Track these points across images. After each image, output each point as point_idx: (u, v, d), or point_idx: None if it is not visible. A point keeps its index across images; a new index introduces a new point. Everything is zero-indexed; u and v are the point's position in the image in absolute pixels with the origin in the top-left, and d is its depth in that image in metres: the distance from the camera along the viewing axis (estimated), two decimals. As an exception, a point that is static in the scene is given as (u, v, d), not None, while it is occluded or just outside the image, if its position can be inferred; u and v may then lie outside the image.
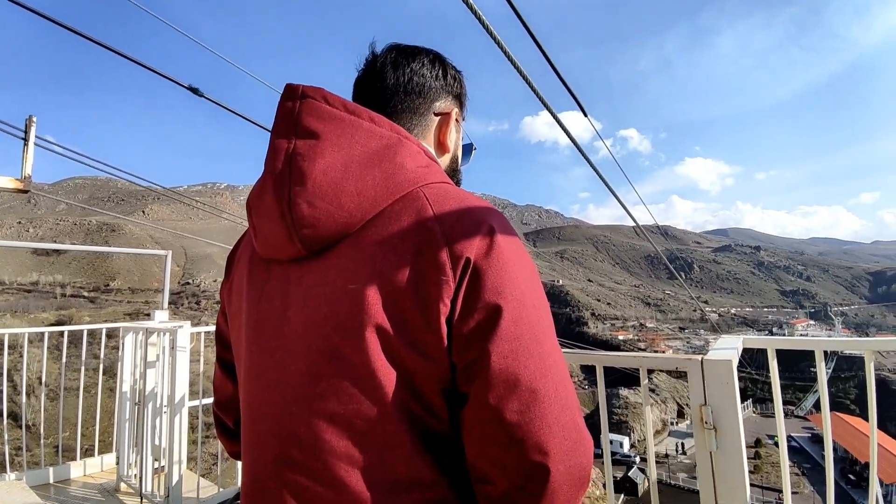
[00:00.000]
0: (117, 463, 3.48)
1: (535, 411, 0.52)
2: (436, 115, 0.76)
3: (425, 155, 0.66)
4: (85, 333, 3.81)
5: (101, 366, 3.90)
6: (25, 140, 1.64)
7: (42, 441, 3.80)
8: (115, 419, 3.53)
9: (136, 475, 3.28)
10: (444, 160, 0.80)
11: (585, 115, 3.17)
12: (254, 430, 0.62)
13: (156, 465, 3.18)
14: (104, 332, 3.91)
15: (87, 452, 3.70)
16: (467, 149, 0.88)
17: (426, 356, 0.55)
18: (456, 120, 0.80)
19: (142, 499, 3.10)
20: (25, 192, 1.64)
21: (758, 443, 42.34)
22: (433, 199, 0.59)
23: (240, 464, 2.98)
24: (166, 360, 3.11)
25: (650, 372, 1.14)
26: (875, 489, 1.27)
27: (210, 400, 3.46)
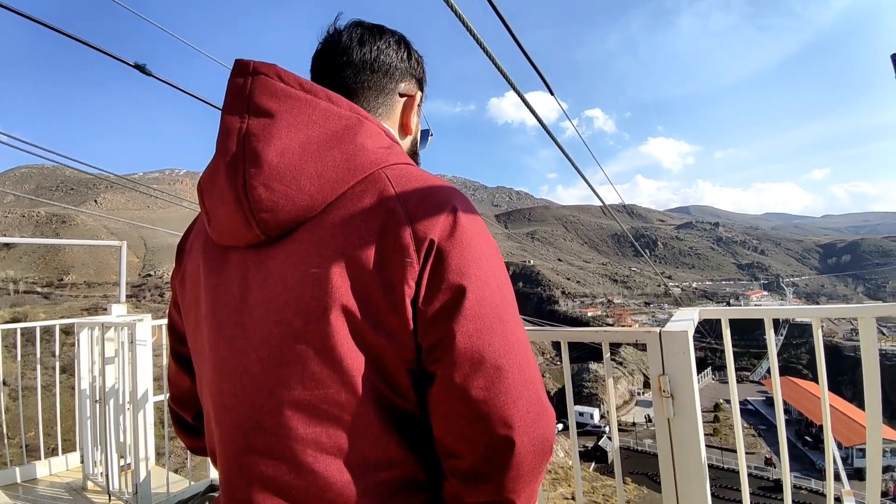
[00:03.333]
0: (82, 461, 3.37)
1: (500, 387, 0.53)
2: (401, 96, 0.74)
3: (386, 136, 0.64)
4: (38, 331, 3.62)
5: (58, 363, 3.73)
6: None
7: (6, 441, 3.64)
8: (77, 417, 3.40)
9: (101, 473, 3.18)
10: (406, 143, 0.78)
11: (552, 94, 3.18)
12: (220, 423, 0.61)
13: (122, 463, 3.09)
14: (57, 328, 3.71)
15: (53, 451, 3.56)
16: (425, 134, 0.87)
17: (391, 337, 0.55)
18: (418, 104, 0.78)
19: (109, 497, 3.02)
20: None
21: (717, 407, 45.01)
22: (395, 181, 0.58)
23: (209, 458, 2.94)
24: (125, 355, 3.00)
25: (618, 346, 1.19)
26: (831, 446, 1.37)
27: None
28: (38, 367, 3.65)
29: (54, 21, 2.76)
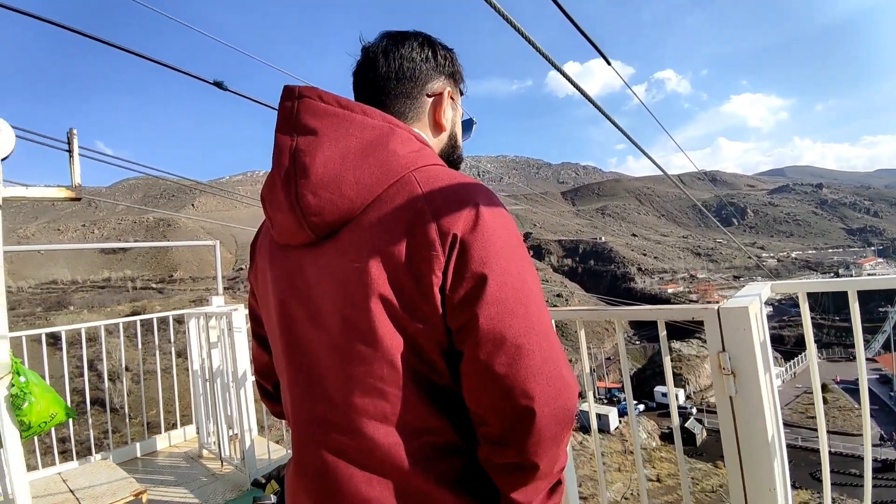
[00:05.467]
0: (197, 433, 3.90)
1: (521, 363, 0.59)
2: (428, 96, 0.80)
3: (417, 140, 0.71)
4: (156, 321, 4.21)
5: (174, 349, 4.30)
6: (70, 152, 1.81)
7: (128, 421, 4.30)
8: (192, 395, 3.93)
9: (214, 442, 3.67)
10: (443, 138, 0.84)
11: (608, 63, 3.04)
12: (290, 394, 0.73)
13: (231, 433, 3.54)
14: (171, 319, 4.27)
15: (172, 426, 4.14)
16: (467, 124, 0.91)
17: (424, 322, 0.62)
18: (451, 98, 0.83)
19: (222, 462, 3.48)
20: (78, 199, 1.82)
21: (824, 388, 40.70)
22: (423, 181, 0.65)
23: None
24: (226, 340, 3.40)
25: (702, 323, 1.14)
26: None
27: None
28: (157, 353, 4.25)
29: (137, 47, 3.14)
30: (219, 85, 3.46)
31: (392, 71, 0.77)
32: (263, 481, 3.05)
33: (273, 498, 2.76)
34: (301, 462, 0.71)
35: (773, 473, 1.03)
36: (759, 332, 1.11)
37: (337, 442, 0.66)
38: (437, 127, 0.82)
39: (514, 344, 0.59)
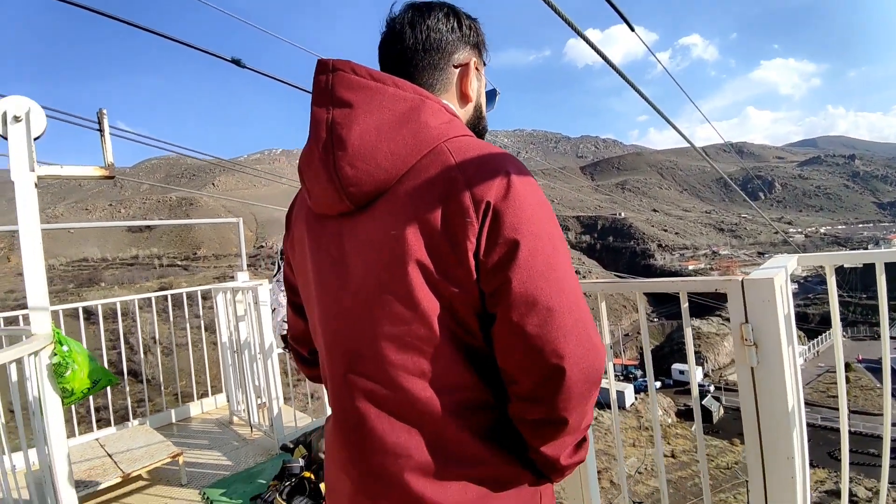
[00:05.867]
0: (228, 401, 4.10)
1: (552, 324, 0.62)
2: (455, 67, 0.81)
3: (446, 111, 0.73)
4: (185, 296, 4.37)
5: (202, 322, 4.46)
6: (101, 131, 1.86)
7: (162, 390, 4.52)
8: (221, 366, 4.11)
9: (244, 410, 3.85)
10: (469, 109, 0.85)
11: (632, 29, 2.94)
12: (330, 353, 0.77)
13: (259, 401, 3.71)
14: (199, 294, 4.42)
15: (203, 395, 4.35)
16: (491, 95, 0.92)
17: (459, 286, 0.65)
18: (476, 68, 0.84)
19: (251, 428, 3.66)
20: (111, 178, 1.88)
21: (847, 367, 39.87)
22: (455, 151, 0.67)
23: (326, 398, 3.33)
24: (252, 313, 3.52)
25: (724, 300, 1.14)
26: None
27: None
28: (188, 326, 4.43)
29: (150, 24, 3.15)
30: (237, 62, 3.47)
31: (419, 42, 0.78)
32: (291, 446, 3.20)
33: (301, 461, 2.90)
34: (339, 417, 0.75)
35: (791, 444, 1.04)
36: (784, 304, 1.10)
37: (376, 394, 0.70)
38: (463, 98, 0.83)
39: (545, 306, 0.62)
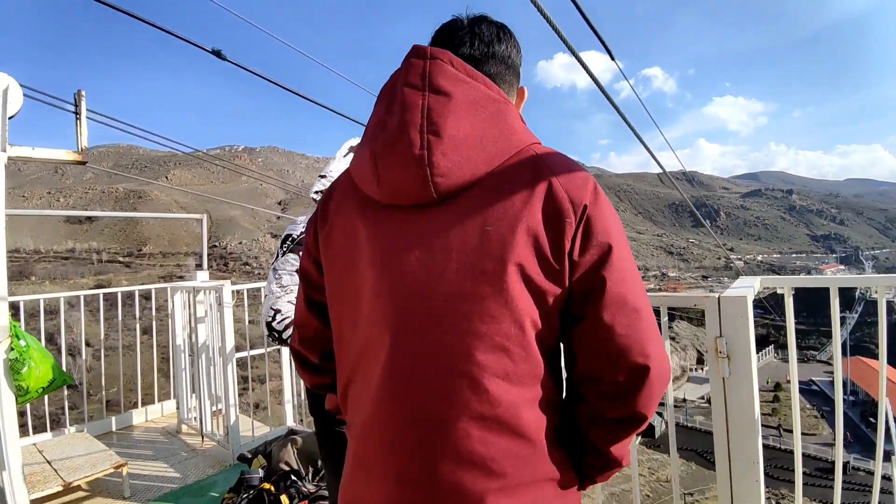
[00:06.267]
0: (177, 408, 3.86)
1: (639, 326, 0.67)
2: (517, 90, 0.86)
3: (521, 120, 0.76)
4: (137, 294, 4.11)
5: (154, 324, 4.19)
6: (77, 114, 1.75)
7: (103, 393, 4.19)
8: (172, 369, 3.88)
9: (195, 418, 3.65)
10: None
11: (612, 56, 3.10)
12: (393, 351, 0.69)
13: (213, 409, 3.53)
14: (154, 292, 4.18)
15: (137, 404, 4.02)
16: None
17: (555, 283, 0.67)
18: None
19: (202, 437, 3.46)
20: (84, 163, 1.77)
21: (777, 387, 42.53)
22: (545, 158, 0.71)
23: (287, 407, 3.23)
24: (214, 315, 3.37)
25: (671, 320, 1.23)
26: (887, 422, 1.37)
27: (257, 351, 3.75)
28: (137, 325, 4.17)
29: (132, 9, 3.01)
30: (217, 54, 3.37)
31: (504, 57, 0.81)
32: (249, 456, 3.06)
33: (261, 472, 2.78)
34: (394, 421, 0.68)
35: (756, 449, 1.12)
36: (752, 321, 1.19)
37: (460, 396, 0.65)
38: None
39: (633, 307, 0.66)
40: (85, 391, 3.71)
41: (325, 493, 2.41)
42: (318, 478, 2.71)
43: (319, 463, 2.74)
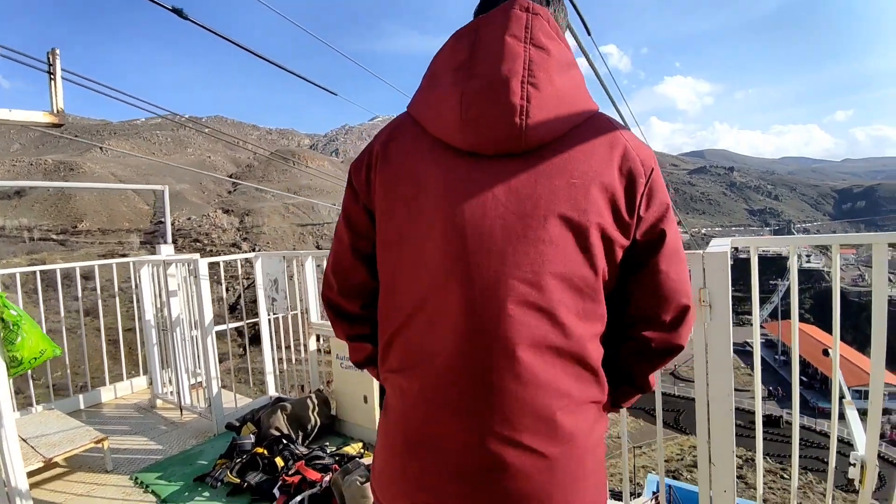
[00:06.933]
0: (150, 383, 3.78)
1: (683, 274, 0.80)
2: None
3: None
4: (78, 272, 3.86)
5: (81, 306, 3.98)
6: (51, 74, 1.63)
7: (68, 371, 4.01)
8: (141, 345, 3.76)
9: (171, 392, 3.59)
10: None
11: (589, 33, 3.18)
12: (468, 284, 0.72)
13: (192, 382, 3.48)
14: (77, 271, 3.98)
15: (83, 388, 3.84)
16: None
17: (624, 235, 0.76)
18: None
19: (181, 411, 3.43)
20: (60, 125, 1.66)
21: (726, 349, 45.94)
22: (617, 125, 0.78)
23: (269, 378, 3.25)
24: (191, 288, 3.29)
25: None
26: (838, 376, 1.58)
27: (236, 324, 3.70)
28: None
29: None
30: (178, 12, 3.17)
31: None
32: (238, 424, 3.08)
33: (252, 438, 2.82)
34: (476, 351, 0.71)
35: (730, 384, 1.30)
36: (729, 274, 1.35)
37: (536, 330, 0.71)
38: None
39: (680, 258, 0.80)
40: (30, 374, 3.52)
41: (319, 453, 2.49)
42: (307, 441, 2.78)
43: (309, 427, 2.80)
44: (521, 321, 0.71)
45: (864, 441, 1.39)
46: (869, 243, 1.44)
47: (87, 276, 3.90)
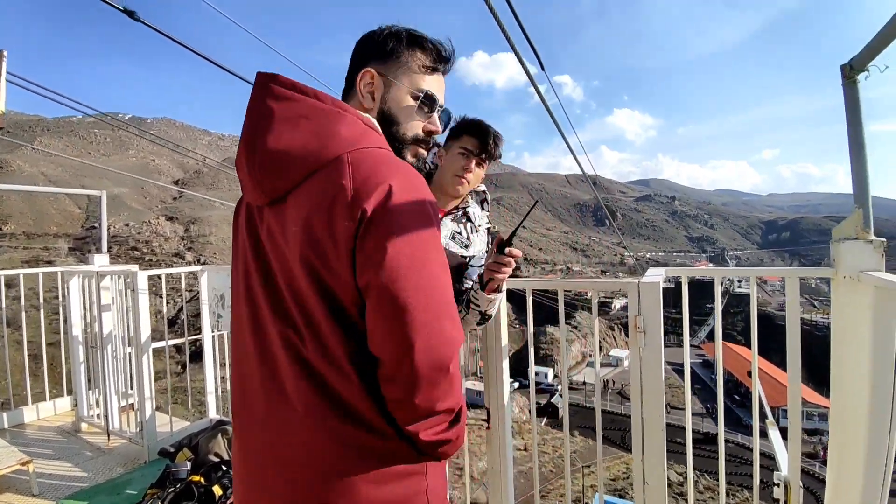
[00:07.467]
0: (75, 405, 3.47)
1: (404, 318, 0.73)
2: (357, 81, 0.91)
3: (363, 124, 0.83)
4: (2, 280, 3.58)
5: (24, 315, 3.69)
6: None
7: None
8: (67, 362, 3.47)
9: (97, 415, 3.31)
10: (376, 117, 0.91)
11: (543, 69, 3.35)
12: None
13: (122, 404, 3.24)
14: (21, 277, 3.68)
15: (40, 398, 3.59)
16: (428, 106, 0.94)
17: (339, 278, 0.75)
18: (380, 75, 0.90)
19: (109, 435, 3.17)
20: (1, 128, 1.55)
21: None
22: (353, 162, 0.76)
23: (210, 398, 3.09)
24: (127, 302, 3.08)
25: (574, 309, 1.44)
26: (757, 386, 1.73)
27: (176, 341, 3.50)
28: (3, 315, 3.63)
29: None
30: (130, 14, 3.04)
31: (358, 54, 0.95)
32: (172, 450, 2.90)
33: (188, 465, 2.66)
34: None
35: (662, 404, 1.39)
36: (661, 302, 1.46)
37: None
38: (362, 108, 0.91)
39: (402, 302, 0.72)
40: None
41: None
42: (249, 467, 2.65)
43: (251, 452, 2.68)
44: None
45: (787, 460, 1.52)
46: (783, 277, 1.61)
47: (10, 283, 3.58)
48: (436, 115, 0.96)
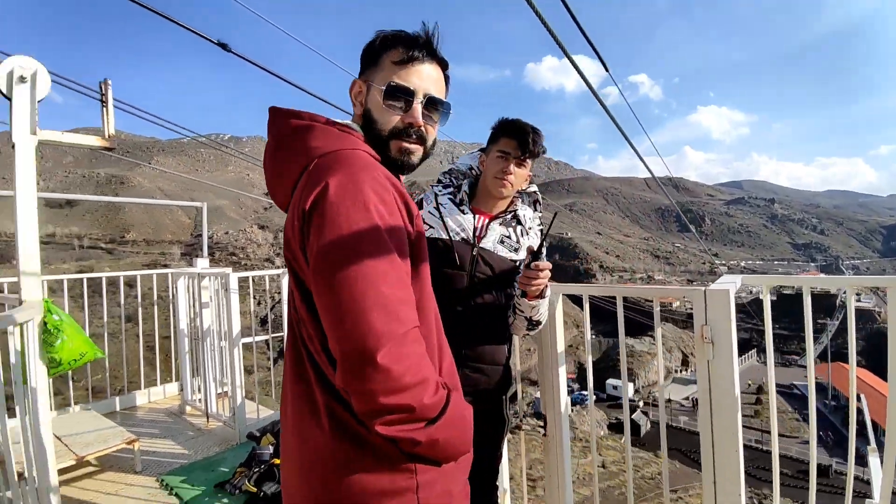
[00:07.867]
0: (181, 390, 3.95)
1: (330, 309, 0.76)
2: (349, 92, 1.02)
3: (337, 130, 0.91)
4: (122, 280, 4.14)
5: (140, 311, 4.24)
6: (104, 102, 1.85)
7: (107, 374, 4.23)
8: (175, 353, 3.96)
9: (199, 400, 3.74)
10: (360, 119, 0.99)
11: (606, 68, 3.26)
12: None
13: (219, 391, 3.63)
14: (155, 278, 4.22)
15: (147, 384, 4.11)
16: (389, 92, 0.93)
17: (305, 274, 0.84)
18: (364, 81, 0.97)
19: (208, 418, 3.57)
20: (111, 149, 1.87)
21: (759, 389, 43.19)
22: (313, 167, 0.85)
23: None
24: (221, 300, 3.47)
25: (661, 320, 1.37)
26: (863, 421, 1.54)
27: (262, 337, 3.87)
28: (140, 311, 4.21)
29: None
30: (223, 46, 3.45)
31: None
32: (258, 434, 3.19)
33: (271, 448, 2.91)
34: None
35: (736, 424, 1.29)
36: (734, 311, 1.36)
37: None
38: (356, 115, 1.01)
39: (329, 292, 0.76)
40: (89, 370, 3.75)
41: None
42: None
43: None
44: None
45: (880, 487, 1.34)
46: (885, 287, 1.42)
47: (131, 283, 4.17)
48: (417, 106, 0.93)
